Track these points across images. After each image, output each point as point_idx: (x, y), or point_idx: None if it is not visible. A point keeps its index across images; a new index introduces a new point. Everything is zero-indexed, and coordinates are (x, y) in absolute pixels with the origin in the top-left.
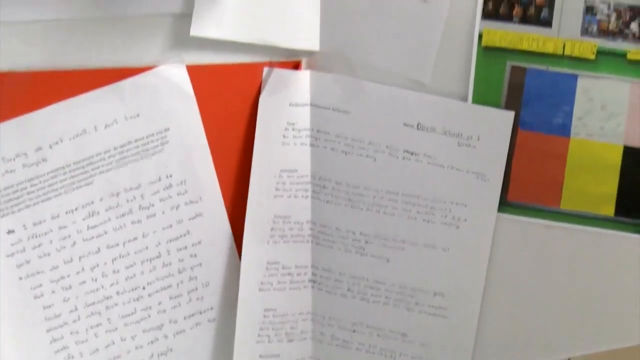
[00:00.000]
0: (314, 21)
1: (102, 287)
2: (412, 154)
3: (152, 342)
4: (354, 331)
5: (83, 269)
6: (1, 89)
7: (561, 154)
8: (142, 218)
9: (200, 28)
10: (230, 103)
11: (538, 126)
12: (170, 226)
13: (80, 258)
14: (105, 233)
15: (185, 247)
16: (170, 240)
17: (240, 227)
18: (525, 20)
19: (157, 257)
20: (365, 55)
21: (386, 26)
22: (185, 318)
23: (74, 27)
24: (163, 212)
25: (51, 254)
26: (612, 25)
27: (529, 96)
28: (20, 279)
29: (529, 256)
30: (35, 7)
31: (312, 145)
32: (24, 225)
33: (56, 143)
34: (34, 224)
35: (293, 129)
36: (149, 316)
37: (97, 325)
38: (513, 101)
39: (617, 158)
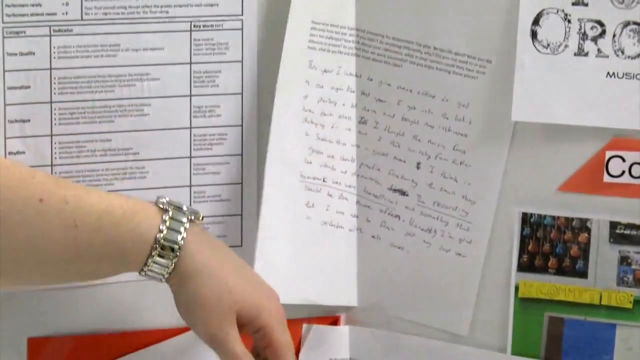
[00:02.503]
0: (351, 277)
1: None
2: None
3: None
4: None
5: None
6: (43, 354)
7: None
8: None
9: None
10: None
11: None
12: None
13: None
14: None
15: None
16: None
17: None
18: (560, 271)
19: None
20: (403, 309)
21: (422, 280)
22: None
23: (114, 291)
24: None
25: None
26: None
27: (568, 346)
28: None
29: None
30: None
31: None
32: None
33: None
34: None
35: None
36: None
37: None
38: (552, 351)
39: None
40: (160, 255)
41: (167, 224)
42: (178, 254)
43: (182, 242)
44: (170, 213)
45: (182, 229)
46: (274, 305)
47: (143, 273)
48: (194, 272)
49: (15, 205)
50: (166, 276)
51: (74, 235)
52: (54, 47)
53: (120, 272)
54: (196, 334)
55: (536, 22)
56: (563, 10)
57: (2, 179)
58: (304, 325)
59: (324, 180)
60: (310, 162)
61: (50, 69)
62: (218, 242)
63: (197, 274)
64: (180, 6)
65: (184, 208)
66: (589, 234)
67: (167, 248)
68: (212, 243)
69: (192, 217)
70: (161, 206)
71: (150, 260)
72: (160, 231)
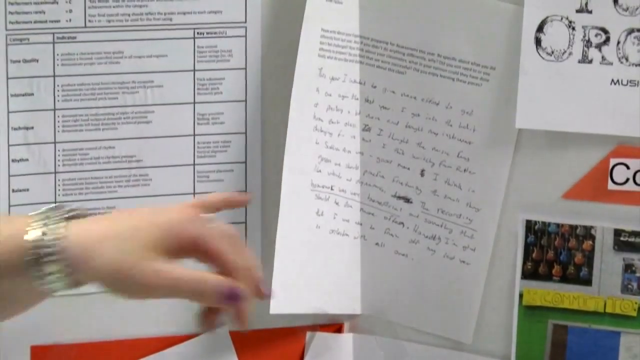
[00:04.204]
0: (355, 285)
1: None
2: None
3: None
4: None
5: None
6: None
7: None
8: None
9: (280, 306)
10: None
11: None
12: None
13: None
14: None
15: None
16: None
17: None
18: (565, 279)
19: None
20: (407, 316)
21: (426, 287)
22: None
23: (118, 299)
24: None
25: None
26: None
27: (572, 354)
28: None
29: None
30: None
31: None
32: None
33: None
34: None
35: None
36: None
37: None
38: (557, 359)
39: None
40: (46, 263)
41: (35, 225)
42: (54, 250)
43: (54, 236)
44: (40, 217)
45: (56, 230)
46: (193, 218)
47: (43, 287)
48: (83, 258)
49: None
50: (70, 282)
51: None
52: (58, 55)
53: (20, 291)
54: None
55: (540, 29)
56: (567, 18)
57: None
58: (308, 333)
59: (331, 189)
60: (320, 171)
61: (54, 76)
62: (100, 217)
63: (86, 256)
64: (184, 13)
65: (58, 208)
66: (593, 242)
67: (38, 247)
68: (91, 221)
69: (69, 215)
70: (34, 215)
71: (37, 271)
72: (26, 232)
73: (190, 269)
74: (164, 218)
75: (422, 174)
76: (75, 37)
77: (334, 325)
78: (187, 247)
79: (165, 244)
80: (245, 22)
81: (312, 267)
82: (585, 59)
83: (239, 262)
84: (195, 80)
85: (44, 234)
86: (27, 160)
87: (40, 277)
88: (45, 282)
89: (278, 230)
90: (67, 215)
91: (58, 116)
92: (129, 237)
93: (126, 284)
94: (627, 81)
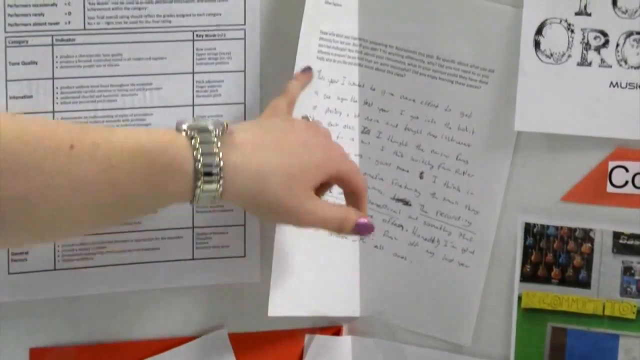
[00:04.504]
0: (354, 288)
1: None
2: None
3: None
4: None
5: None
6: None
7: None
8: None
9: (278, 308)
10: None
11: None
12: None
13: None
14: None
15: None
16: None
17: None
18: (564, 282)
19: None
20: (405, 319)
21: (425, 290)
22: None
23: (117, 301)
24: None
25: None
26: None
27: (571, 357)
28: None
29: None
30: (79, 284)
31: None
32: None
33: None
34: None
35: None
36: None
37: None
38: None
39: None
40: (204, 182)
41: (200, 150)
42: (221, 175)
43: (221, 162)
44: (199, 139)
45: (215, 150)
46: (333, 154)
47: (194, 202)
48: (247, 184)
49: (47, 155)
50: (218, 199)
51: (111, 176)
52: (57, 57)
53: (167, 205)
54: None
55: (539, 31)
56: (566, 20)
57: (28, 130)
58: (307, 336)
59: (330, 191)
60: None
61: (53, 78)
62: (251, 136)
63: (251, 183)
64: (183, 16)
65: (209, 127)
66: (592, 244)
67: (207, 174)
68: (248, 143)
69: (220, 132)
70: (186, 133)
71: (197, 191)
72: (197, 160)
73: (331, 204)
74: (316, 157)
75: (421, 177)
76: (74, 40)
77: (333, 327)
78: (332, 181)
79: (319, 182)
80: (244, 24)
81: (310, 269)
82: (584, 62)
83: (364, 188)
84: (194, 83)
85: (206, 165)
86: None
87: (196, 198)
88: (195, 201)
89: (276, 232)
90: (220, 133)
91: (57, 119)
92: (296, 176)
93: (281, 217)
94: (626, 84)
